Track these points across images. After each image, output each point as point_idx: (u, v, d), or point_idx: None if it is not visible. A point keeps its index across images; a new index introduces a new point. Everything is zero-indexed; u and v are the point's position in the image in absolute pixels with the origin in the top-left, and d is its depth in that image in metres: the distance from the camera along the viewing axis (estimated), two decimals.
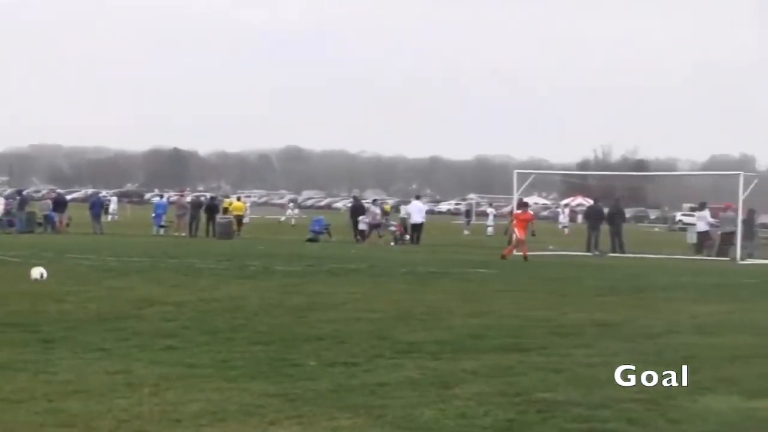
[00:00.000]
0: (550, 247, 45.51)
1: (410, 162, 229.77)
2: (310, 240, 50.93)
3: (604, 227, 46.65)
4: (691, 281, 26.81)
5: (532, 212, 40.46)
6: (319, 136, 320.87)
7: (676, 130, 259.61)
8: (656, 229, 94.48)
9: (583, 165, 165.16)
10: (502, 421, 9.44)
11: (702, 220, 47.63)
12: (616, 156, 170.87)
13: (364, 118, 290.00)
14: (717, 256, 43.78)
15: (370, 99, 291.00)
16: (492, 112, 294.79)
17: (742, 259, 40.76)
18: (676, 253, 44.61)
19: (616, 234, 46.01)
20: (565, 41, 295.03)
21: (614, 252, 44.27)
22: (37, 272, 22.87)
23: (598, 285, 24.62)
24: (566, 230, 76.89)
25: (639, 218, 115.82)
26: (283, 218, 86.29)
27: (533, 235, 38.80)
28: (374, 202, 61.77)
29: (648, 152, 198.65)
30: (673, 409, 10.06)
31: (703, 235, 46.51)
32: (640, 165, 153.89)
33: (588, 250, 44.92)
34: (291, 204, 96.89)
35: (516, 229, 37.87)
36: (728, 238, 43.90)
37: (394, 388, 10.83)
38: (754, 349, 14.15)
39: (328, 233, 53.31)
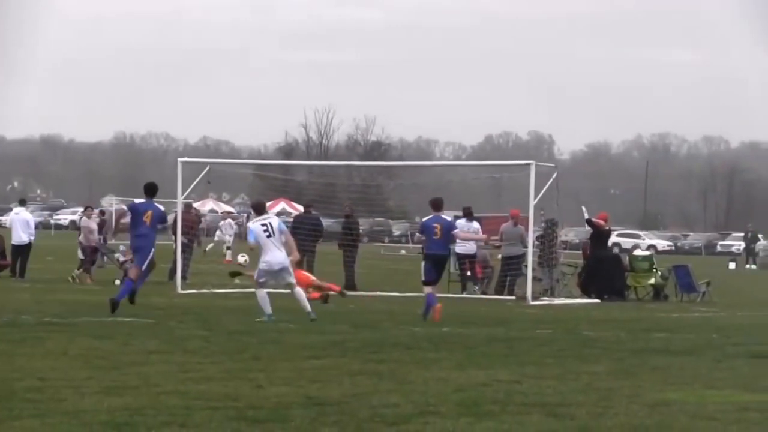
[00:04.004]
0: (237, 280, 35.48)
1: None
2: None
3: (325, 249, 36.36)
4: (457, 334, 21.96)
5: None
6: None
7: (429, 97, 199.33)
8: (403, 252, 76.27)
9: (288, 150, 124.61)
10: None
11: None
12: (341, 136, 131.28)
13: None
14: (496, 293, 33.40)
15: None
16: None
17: (534, 298, 31.11)
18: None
19: (351, 262, 34.82)
20: None
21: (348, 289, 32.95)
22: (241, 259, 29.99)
23: (310, 341, 19.90)
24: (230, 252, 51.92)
25: (375, 235, 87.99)
26: None
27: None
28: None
29: (392, 130, 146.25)
30: None
31: (467, 260, 34.30)
32: (377, 150, 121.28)
33: None
34: None
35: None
36: (512, 266, 33.25)
37: None
38: None
39: None
